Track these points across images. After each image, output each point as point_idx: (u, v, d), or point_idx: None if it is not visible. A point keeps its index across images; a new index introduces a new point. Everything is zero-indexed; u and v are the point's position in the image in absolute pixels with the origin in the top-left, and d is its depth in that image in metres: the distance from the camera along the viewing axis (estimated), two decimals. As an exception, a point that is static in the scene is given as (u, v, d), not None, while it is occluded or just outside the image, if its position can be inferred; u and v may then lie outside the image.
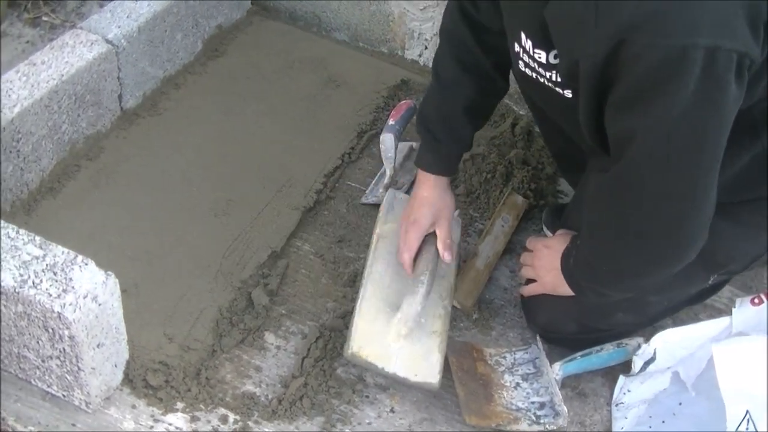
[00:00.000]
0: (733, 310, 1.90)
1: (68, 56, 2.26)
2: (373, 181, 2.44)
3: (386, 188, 2.34)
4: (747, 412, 1.73)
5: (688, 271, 1.76)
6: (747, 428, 1.72)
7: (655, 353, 1.93)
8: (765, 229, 1.83)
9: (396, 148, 2.34)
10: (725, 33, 1.40)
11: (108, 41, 2.35)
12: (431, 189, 2.07)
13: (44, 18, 2.96)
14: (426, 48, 2.87)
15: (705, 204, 1.59)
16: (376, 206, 2.27)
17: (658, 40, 1.41)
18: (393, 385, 1.96)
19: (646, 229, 1.66)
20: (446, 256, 2.03)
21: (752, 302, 1.88)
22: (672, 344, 1.93)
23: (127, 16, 2.43)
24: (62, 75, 2.20)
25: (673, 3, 1.40)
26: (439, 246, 2.03)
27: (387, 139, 2.32)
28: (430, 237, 2.04)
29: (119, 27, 2.39)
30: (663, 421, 1.89)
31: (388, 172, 2.38)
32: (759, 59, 1.46)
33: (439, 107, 2.06)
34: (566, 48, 1.58)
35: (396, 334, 1.93)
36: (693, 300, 2.04)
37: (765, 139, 1.72)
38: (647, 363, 1.94)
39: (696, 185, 1.57)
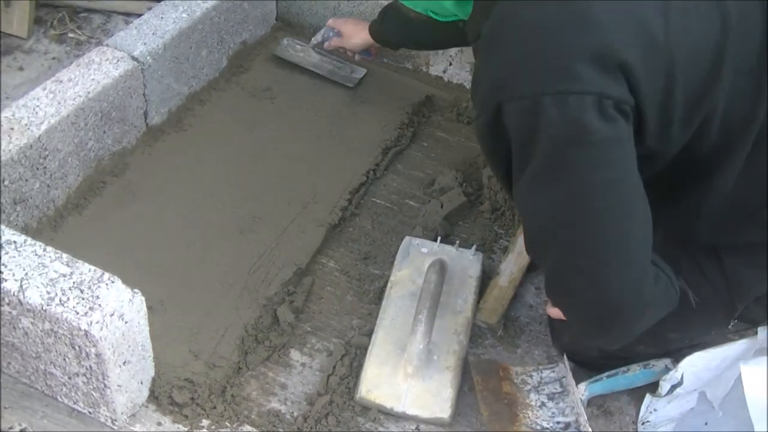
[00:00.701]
0: (759, 329, 1.89)
1: (94, 73, 2.27)
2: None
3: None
4: (775, 432, 1.72)
5: (706, 312, 1.78)
6: (775, 449, 1.71)
7: (682, 378, 1.92)
8: None
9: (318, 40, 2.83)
10: (569, 78, 1.39)
11: (134, 58, 2.36)
12: (365, 25, 2.61)
13: (70, 35, 2.99)
14: (450, 64, 2.87)
15: (621, 259, 1.55)
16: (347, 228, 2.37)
17: (513, 98, 1.45)
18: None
19: (568, 286, 1.64)
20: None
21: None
22: (699, 368, 1.92)
23: (153, 33, 2.44)
24: (89, 92, 2.21)
25: (520, 59, 1.44)
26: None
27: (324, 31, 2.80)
28: (430, 273, 2.06)
29: (145, 44, 2.40)
30: (689, 441, 1.88)
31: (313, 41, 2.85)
32: (626, 97, 1.42)
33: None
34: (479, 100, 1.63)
35: (404, 374, 1.95)
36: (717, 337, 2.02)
37: (723, 180, 1.64)
38: (674, 386, 1.93)
39: (601, 237, 1.53)
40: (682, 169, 1.60)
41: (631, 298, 1.56)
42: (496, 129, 1.51)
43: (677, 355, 1.92)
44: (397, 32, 2.51)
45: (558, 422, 1.92)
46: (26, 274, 1.68)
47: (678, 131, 1.52)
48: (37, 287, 1.66)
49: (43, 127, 2.10)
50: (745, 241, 1.73)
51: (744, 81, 1.52)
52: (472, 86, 1.61)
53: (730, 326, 1.89)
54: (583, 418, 1.89)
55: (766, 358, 1.81)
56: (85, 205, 2.29)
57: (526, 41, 1.43)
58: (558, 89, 1.39)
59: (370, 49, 2.70)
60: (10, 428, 1.81)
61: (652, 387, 1.96)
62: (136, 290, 1.70)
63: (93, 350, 1.66)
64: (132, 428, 1.84)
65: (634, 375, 1.96)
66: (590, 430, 1.87)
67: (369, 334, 2.04)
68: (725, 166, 1.60)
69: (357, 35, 2.65)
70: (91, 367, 1.70)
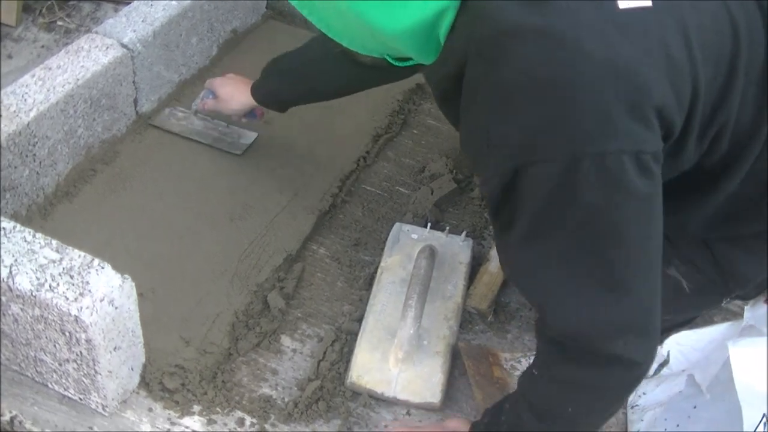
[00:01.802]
0: (746, 308, 1.89)
1: (84, 60, 2.26)
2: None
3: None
4: (764, 415, 1.72)
5: (701, 295, 1.78)
6: (764, 431, 1.71)
7: (668, 355, 1.92)
8: None
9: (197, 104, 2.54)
10: (608, 135, 1.30)
11: (123, 45, 2.35)
12: (246, 86, 2.36)
13: (59, 22, 2.98)
14: (440, 51, 2.87)
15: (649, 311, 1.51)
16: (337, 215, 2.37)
17: (543, 160, 1.34)
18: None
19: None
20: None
21: (765, 301, 1.88)
22: (686, 347, 1.92)
23: (143, 21, 2.44)
24: (78, 79, 2.21)
25: (550, 118, 1.32)
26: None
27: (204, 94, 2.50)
28: (420, 259, 2.06)
29: (134, 31, 2.39)
30: (678, 425, 1.88)
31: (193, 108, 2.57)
32: (660, 146, 1.36)
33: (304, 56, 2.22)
34: (476, 170, 1.57)
35: (394, 359, 1.95)
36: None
37: (729, 183, 1.60)
38: (661, 366, 1.93)
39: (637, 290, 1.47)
40: (688, 178, 1.55)
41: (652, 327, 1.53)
42: (510, 191, 1.41)
43: (665, 335, 1.93)
44: (291, 87, 2.29)
45: (548, 407, 1.92)
46: (15, 260, 1.68)
47: (692, 148, 1.47)
48: (27, 273, 1.66)
49: (32, 114, 2.09)
50: (739, 233, 1.72)
51: (753, 90, 1.48)
52: (468, 143, 1.49)
53: (722, 304, 1.90)
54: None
55: (754, 338, 1.82)
56: (75, 192, 2.29)
57: (556, 97, 1.31)
58: (596, 150, 1.30)
59: (255, 111, 2.42)
60: (1, 416, 1.81)
61: (642, 371, 1.97)
62: (126, 276, 1.70)
63: (83, 336, 1.65)
64: (123, 414, 1.84)
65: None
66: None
67: (359, 319, 2.05)
68: (731, 173, 1.57)
69: (235, 99, 2.38)
70: (81, 353, 1.70)
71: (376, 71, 2.01)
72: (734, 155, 1.54)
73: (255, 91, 2.32)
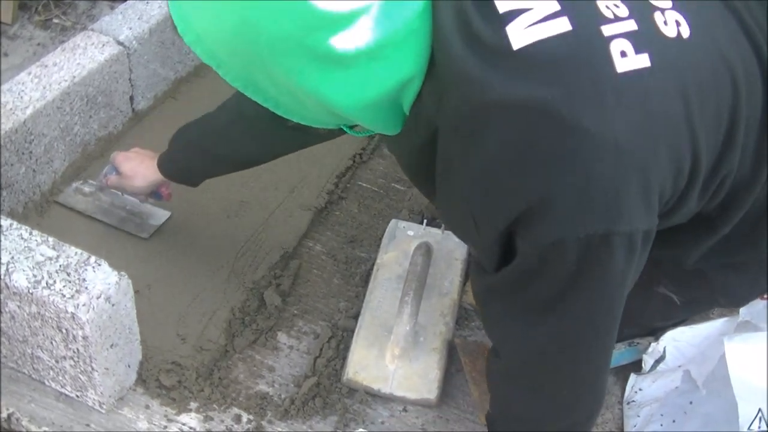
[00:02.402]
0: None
1: (80, 58, 2.26)
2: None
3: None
4: (759, 410, 1.72)
5: (693, 305, 1.80)
6: (759, 427, 1.72)
7: (664, 351, 1.93)
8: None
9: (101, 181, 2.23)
10: (599, 218, 1.24)
11: (119, 43, 2.35)
12: (151, 161, 2.09)
13: (55, 20, 2.98)
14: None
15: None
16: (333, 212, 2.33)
17: (530, 238, 1.29)
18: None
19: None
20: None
21: (761, 296, 1.88)
22: (682, 343, 1.92)
23: (139, 18, 2.44)
24: (74, 77, 2.21)
25: (539, 199, 1.25)
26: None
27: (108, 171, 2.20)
28: (416, 256, 2.06)
29: (130, 29, 2.39)
30: (674, 420, 1.89)
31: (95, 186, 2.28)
32: (653, 225, 1.30)
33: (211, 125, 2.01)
34: (459, 235, 1.53)
35: (391, 356, 1.95)
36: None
37: (727, 227, 1.56)
38: (657, 362, 1.94)
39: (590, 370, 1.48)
40: (685, 224, 1.50)
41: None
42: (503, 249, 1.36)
43: (661, 333, 1.94)
44: (203, 158, 2.03)
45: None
46: (12, 257, 1.68)
47: (694, 204, 1.42)
48: (24, 270, 1.66)
49: (29, 111, 2.09)
50: (732, 261, 1.68)
51: (753, 138, 1.43)
52: (450, 217, 1.48)
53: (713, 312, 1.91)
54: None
55: (749, 334, 1.82)
56: (72, 190, 2.29)
57: (546, 176, 1.23)
58: (585, 232, 1.24)
59: (160, 190, 2.15)
60: (-2, 413, 1.82)
61: (637, 366, 1.97)
62: (122, 273, 1.70)
63: (80, 333, 1.66)
64: (120, 411, 1.84)
65: (619, 353, 1.97)
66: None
67: (356, 316, 2.05)
68: (729, 217, 1.53)
69: (139, 175, 2.09)
70: (78, 350, 1.70)
71: (305, 132, 1.72)
72: (733, 201, 1.50)
73: (162, 165, 2.06)
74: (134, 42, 2.39)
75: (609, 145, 1.21)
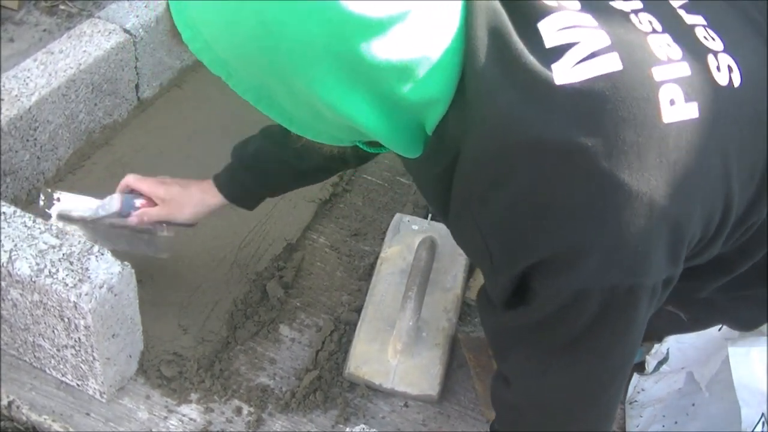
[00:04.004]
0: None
1: (86, 45, 2.26)
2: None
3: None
4: (762, 415, 1.72)
5: (700, 323, 1.77)
6: (762, 431, 1.72)
7: (668, 353, 1.92)
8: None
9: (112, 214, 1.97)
10: (627, 271, 1.18)
11: (126, 31, 2.34)
12: (209, 206, 1.96)
13: (61, 7, 2.97)
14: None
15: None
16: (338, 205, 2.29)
17: (556, 284, 1.21)
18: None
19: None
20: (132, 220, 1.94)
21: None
22: (685, 344, 1.92)
23: (145, 6, 2.43)
24: (80, 64, 2.20)
25: (564, 246, 1.19)
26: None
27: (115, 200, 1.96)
28: (420, 250, 2.05)
29: (137, 17, 2.39)
30: (676, 422, 1.88)
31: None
32: (676, 273, 1.25)
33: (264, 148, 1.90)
34: (470, 258, 1.47)
35: (393, 350, 1.95)
36: None
37: (745, 266, 1.51)
38: (660, 363, 1.94)
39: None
40: (703, 264, 1.43)
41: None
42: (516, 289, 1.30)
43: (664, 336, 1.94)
44: (269, 181, 1.94)
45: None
46: (15, 245, 1.68)
47: (718, 248, 1.36)
48: (26, 258, 1.66)
49: (34, 98, 2.08)
50: (744, 294, 1.63)
51: None
52: (467, 247, 1.40)
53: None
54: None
55: (753, 338, 1.82)
56: (76, 177, 2.29)
57: (574, 226, 1.17)
58: (611, 283, 1.19)
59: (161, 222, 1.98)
60: (-2, 400, 1.82)
61: (640, 367, 1.97)
62: (125, 263, 1.70)
63: (82, 322, 1.65)
64: (120, 401, 1.84)
65: (622, 354, 1.97)
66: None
67: (358, 310, 2.05)
68: (748, 258, 1.48)
69: (189, 203, 1.95)
70: (79, 339, 1.70)
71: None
72: (753, 244, 1.44)
73: (226, 188, 1.95)
74: (141, 30, 2.38)
75: (644, 202, 1.15)
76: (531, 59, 1.15)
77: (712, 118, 1.20)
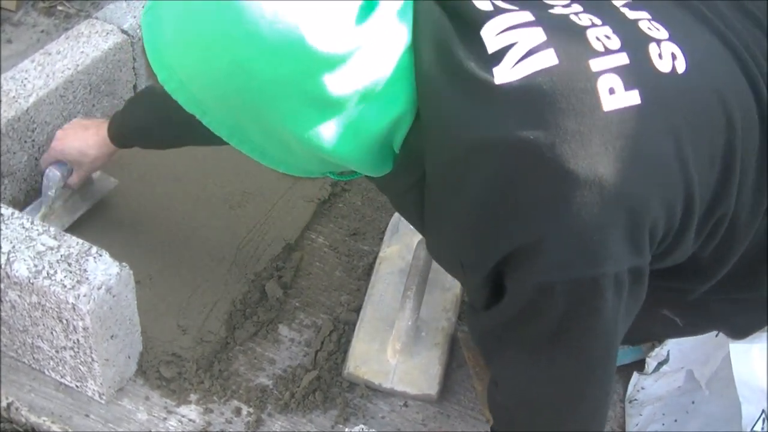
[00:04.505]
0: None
1: (84, 46, 2.25)
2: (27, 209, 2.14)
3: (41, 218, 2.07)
4: (763, 411, 1.72)
5: (696, 328, 1.76)
6: (762, 428, 1.71)
7: (668, 355, 1.92)
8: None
9: (58, 186, 2.07)
10: (587, 261, 1.21)
11: (123, 31, 2.34)
12: (95, 129, 2.02)
13: (59, 7, 2.97)
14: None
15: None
16: (337, 204, 2.27)
17: (521, 278, 1.25)
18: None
19: None
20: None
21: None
22: (685, 346, 1.92)
23: (143, 6, 2.42)
24: (77, 65, 2.20)
25: (523, 242, 1.21)
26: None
27: (52, 175, 2.06)
28: (419, 250, 2.04)
29: (135, 17, 2.38)
30: (676, 420, 1.88)
31: (43, 209, 2.11)
32: (643, 263, 1.26)
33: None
34: (448, 272, 1.49)
35: (392, 350, 1.95)
36: None
37: (725, 268, 1.50)
38: (660, 364, 1.94)
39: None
40: (683, 265, 1.45)
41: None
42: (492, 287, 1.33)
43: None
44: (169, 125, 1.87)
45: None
46: (13, 246, 1.68)
47: (689, 243, 1.36)
48: (25, 260, 1.66)
49: (32, 99, 2.08)
50: (734, 297, 1.62)
51: (751, 176, 1.36)
52: (439, 255, 1.46)
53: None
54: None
55: (754, 336, 1.82)
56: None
57: (534, 218, 1.21)
58: (574, 275, 1.21)
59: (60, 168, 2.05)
60: (-3, 402, 1.82)
61: (640, 365, 1.97)
62: (124, 264, 1.69)
63: (80, 324, 1.65)
64: (119, 402, 1.84)
65: (622, 352, 1.96)
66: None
67: (357, 310, 2.04)
68: (726, 260, 1.47)
69: (72, 137, 2.04)
70: (78, 340, 1.70)
71: None
72: (730, 242, 1.43)
73: (114, 127, 1.98)
74: (138, 30, 2.37)
75: (594, 190, 1.17)
76: (471, 65, 1.21)
77: (656, 105, 1.22)
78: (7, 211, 1.74)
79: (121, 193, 2.26)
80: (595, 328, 1.28)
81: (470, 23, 1.25)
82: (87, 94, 2.25)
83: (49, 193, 2.07)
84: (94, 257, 1.69)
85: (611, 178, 1.18)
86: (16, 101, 2.06)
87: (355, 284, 2.14)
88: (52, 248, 1.69)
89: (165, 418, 1.82)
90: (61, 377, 1.83)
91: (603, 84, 1.20)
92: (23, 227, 1.72)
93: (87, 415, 1.81)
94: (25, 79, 2.12)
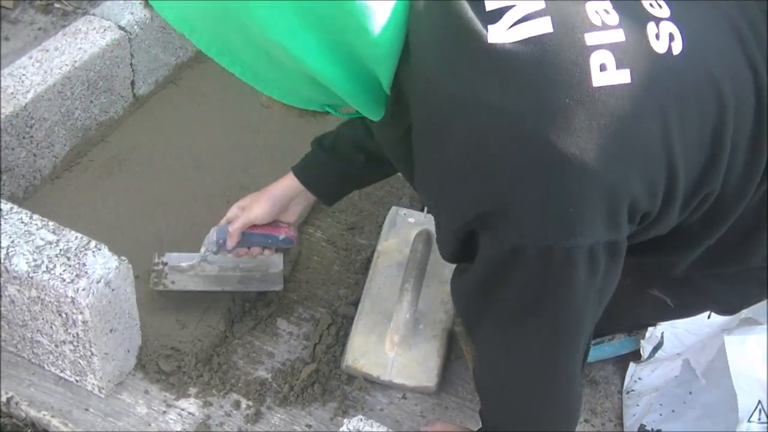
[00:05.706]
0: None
1: (81, 42, 2.26)
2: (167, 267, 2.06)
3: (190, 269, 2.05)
4: (759, 402, 1.73)
5: (686, 308, 1.76)
6: (759, 418, 1.72)
7: (662, 337, 1.93)
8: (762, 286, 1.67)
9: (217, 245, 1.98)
10: (564, 232, 1.20)
11: (121, 27, 2.35)
12: (285, 190, 1.97)
13: (56, 4, 2.97)
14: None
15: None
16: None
17: (494, 239, 1.25)
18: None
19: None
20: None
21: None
22: (680, 329, 1.93)
23: (140, 3, 2.43)
24: (75, 61, 2.21)
25: (500, 202, 1.21)
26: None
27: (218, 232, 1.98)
28: (416, 243, 2.05)
29: (132, 13, 2.39)
30: (673, 410, 1.89)
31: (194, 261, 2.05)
32: (620, 237, 1.25)
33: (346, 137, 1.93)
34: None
35: (390, 343, 1.95)
36: None
37: (711, 239, 1.49)
38: (655, 348, 1.94)
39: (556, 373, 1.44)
40: (668, 234, 1.44)
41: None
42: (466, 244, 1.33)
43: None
44: (345, 159, 1.92)
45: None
46: (12, 241, 1.68)
47: (674, 218, 1.36)
48: (24, 254, 1.66)
49: (30, 95, 2.09)
50: (720, 272, 1.63)
51: (741, 156, 1.35)
52: (427, 197, 1.47)
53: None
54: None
55: (749, 327, 1.82)
56: (72, 174, 2.29)
57: (506, 182, 1.19)
58: (546, 243, 1.20)
59: (289, 234, 2.00)
60: (-3, 397, 1.82)
61: (636, 356, 1.98)
62: (122, 257, 1.70)
63: (80, 317, 1.66)
64: (119, 396, 1.85)
65: (620, 342, 1.97)
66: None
67: (356, 303, 2.05)
68: (713, 231, 1.47)
69: (259, 199, 1.97)
70: (77, 334, 1.70)
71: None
72: (716, 216, 1.44)
73: (301, 172, 1.97)
74: (135, 27, 2.38)
75: (574, 163, 1.16)
76: (470, 16, 1.18)
77: (647, 85, 1.21)
78: (6, 206, 1.75)
79: (117, 188, 2.27)
80: (566, 300, 1.29)
81: None
82: (85, 90, 2.26)
83: (203, 250, 2.00)
84: (93, 251, 1.69)
85: (592, 155, 1.16)
86: (14, 97, 2.06)
87: (353, 278, 2.15)
88: (51, 242, 1.69)
89: (164, 412, 1.83)
90: (61, 371, 1.84)
91: (595, 59, 1.19)
92: (22, 222, 1.72)
93: (87, 409, 1.82)
94: (23, 75, 2.13)
